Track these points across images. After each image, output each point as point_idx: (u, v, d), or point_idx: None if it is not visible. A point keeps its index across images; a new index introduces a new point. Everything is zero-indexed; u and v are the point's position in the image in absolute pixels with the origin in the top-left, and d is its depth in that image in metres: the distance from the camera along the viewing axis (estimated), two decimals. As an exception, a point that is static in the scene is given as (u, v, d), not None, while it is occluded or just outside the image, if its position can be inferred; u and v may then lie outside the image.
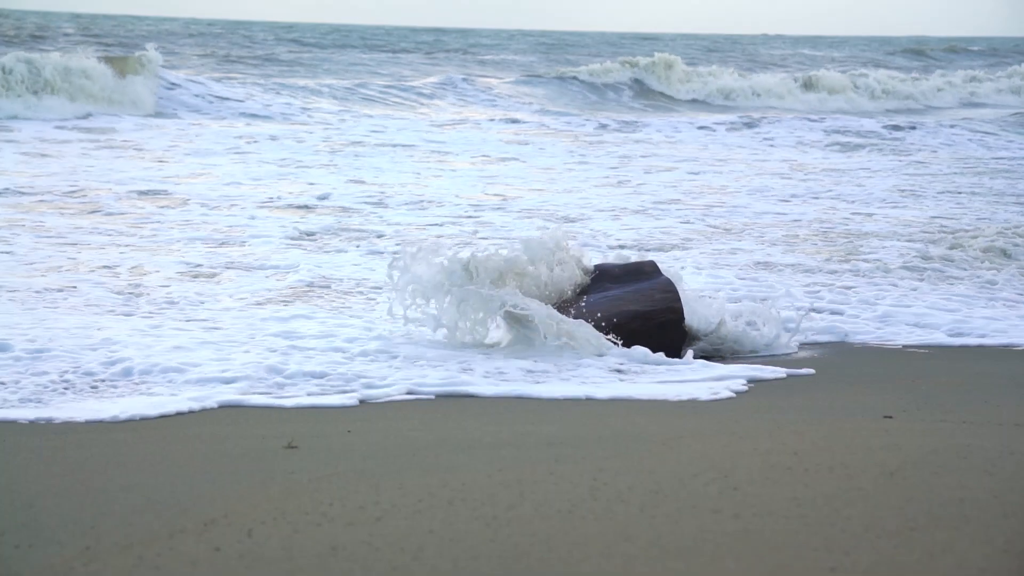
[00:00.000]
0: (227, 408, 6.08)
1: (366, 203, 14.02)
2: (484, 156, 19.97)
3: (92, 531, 3.97)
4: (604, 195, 15.62)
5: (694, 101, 35.20)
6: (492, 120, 26.61)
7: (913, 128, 26.91)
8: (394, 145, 21.18)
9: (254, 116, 25.18)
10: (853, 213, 14.42)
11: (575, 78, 35.98)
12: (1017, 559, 3.57)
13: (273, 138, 21.38)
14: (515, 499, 4.22)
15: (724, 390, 6.75)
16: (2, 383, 6.37)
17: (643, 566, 3.61)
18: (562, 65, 44.96)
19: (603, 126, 26.60)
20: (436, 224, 12.68)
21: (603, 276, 8.04)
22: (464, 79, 34.17)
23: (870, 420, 5.78)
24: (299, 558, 3.70)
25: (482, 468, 4.68)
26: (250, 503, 4.22)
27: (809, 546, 3.76)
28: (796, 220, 13.92)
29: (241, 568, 3.64)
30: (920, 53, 67.54)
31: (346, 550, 3.76)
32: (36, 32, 50.18)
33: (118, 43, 48.96)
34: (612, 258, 8.91)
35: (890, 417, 5.79)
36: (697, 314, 7.80)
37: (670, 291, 7.88)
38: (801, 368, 7.39)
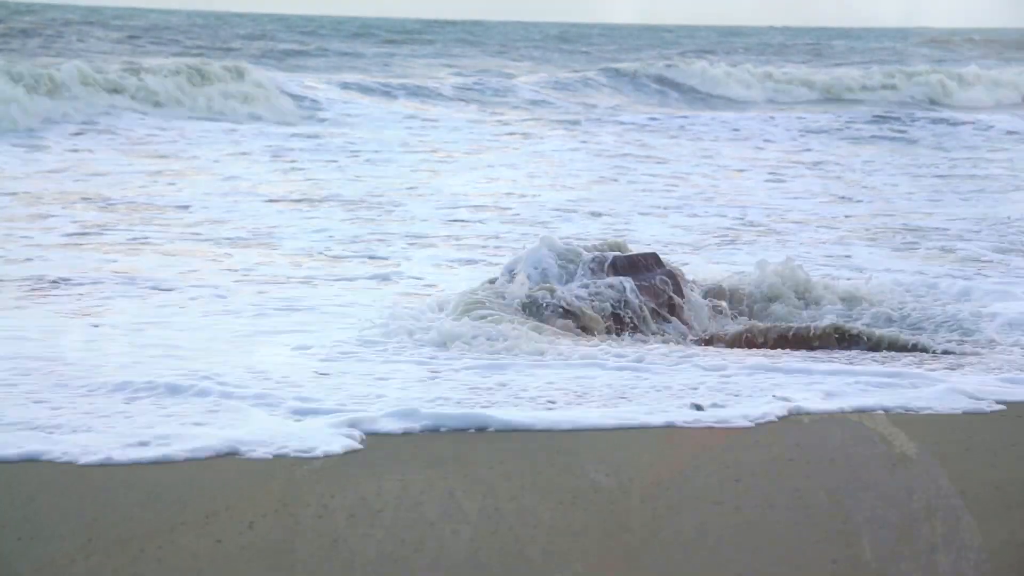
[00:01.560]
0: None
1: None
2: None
3: (94, 524, 3.97)
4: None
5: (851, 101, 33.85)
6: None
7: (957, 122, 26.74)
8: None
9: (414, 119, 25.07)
10: (910, 212, 14.10)
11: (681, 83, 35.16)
12: (1019, 551, 3.56)
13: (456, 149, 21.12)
14: (516, 491, 4.21)
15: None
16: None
17: (645, 557, 3.59)
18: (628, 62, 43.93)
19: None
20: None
21: (606, 267, 8.05)
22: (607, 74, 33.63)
23: (871, 412, 5.75)
24: (300, 550, 3.70)
25: (484, 460, 4.68)
26: (251, 496, 4.22)
27: (811, 538, 3.74)
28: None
29: (242, 561, 3.64)
30: (945, 43, 66.85)
31: (347, 543, 3.76)
32: (53, 28, 49.85)
33: (129, 37, 48.79)
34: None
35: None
36: None
37: (674, 280, 7.95)
38: None
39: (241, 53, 39.96)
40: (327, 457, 4.73)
